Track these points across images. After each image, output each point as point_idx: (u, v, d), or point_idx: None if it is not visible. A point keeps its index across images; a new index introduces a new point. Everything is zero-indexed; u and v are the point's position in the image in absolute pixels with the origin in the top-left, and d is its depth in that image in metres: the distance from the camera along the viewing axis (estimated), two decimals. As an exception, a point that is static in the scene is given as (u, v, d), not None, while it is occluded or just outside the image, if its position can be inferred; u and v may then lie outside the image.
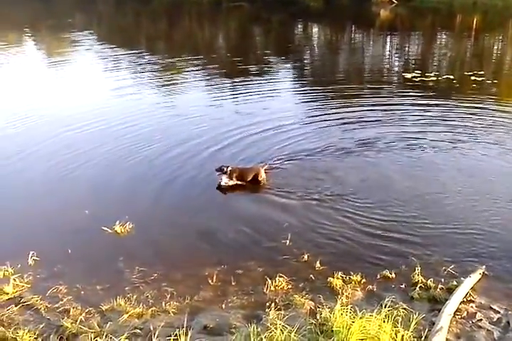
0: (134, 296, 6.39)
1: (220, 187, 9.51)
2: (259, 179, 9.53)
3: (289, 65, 20.53)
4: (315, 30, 30.77)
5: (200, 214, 8.58)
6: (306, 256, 7.12)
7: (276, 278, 6.58)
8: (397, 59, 22.39)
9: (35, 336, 5.73)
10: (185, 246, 7.65)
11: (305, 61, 22.73)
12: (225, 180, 9.52)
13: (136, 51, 23.12)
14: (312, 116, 13.60)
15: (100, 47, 24.50)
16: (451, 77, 17.41)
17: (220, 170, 9.52)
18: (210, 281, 6.68)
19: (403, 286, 6.54)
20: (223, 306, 6.21)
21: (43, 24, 32.57)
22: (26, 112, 14.13)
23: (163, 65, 20.38)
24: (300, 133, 12.17)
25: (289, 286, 6.54)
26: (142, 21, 32.57)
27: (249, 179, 9.57)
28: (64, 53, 24.16)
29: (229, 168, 9.50)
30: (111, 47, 24.33)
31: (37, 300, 6.43)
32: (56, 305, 6.33)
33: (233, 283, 6.64)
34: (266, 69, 19.73)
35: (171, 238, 7.83)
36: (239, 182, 9.56)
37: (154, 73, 18.98)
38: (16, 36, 29.30)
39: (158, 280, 6.75)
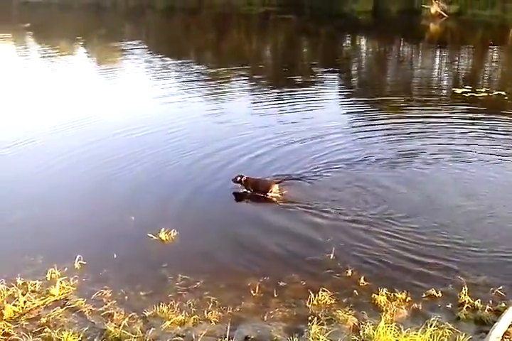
0: (177, 304, 6.42)
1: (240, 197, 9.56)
2: (268, 193, 9.48)
3: (335, 77, 20.45)
4: (363, 42, 30.61)
5: (244, 225, 8.60)
6: (350, 271, 7.02)
7: (319, 292, 6.50)
8: (446, 73, 22.04)
9: (79, 338, 5.82)
10: (228, 255, 7.64)
11: (352, 73, 22.62)
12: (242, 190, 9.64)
13: (184, 60, 23.45)
14: (356, 127, 13.53)
15: (149, 56, 24.96)
16: (503, 92, 17.02)
17: (235, 179, 9.57)
18: (252, 292, 6.65)
19: (449, 306, 6.37)
20: (265, 318, 6.17)
21: (95, 33, 33.42)
22: (76, 117, 14.52)
23: (209, 74, 20.60)
24: (342, 143, 12.11)
25: (332, 301, 6.46)
26: (190, 31, 33.04)
27: (259, 191, 9.55)
28: (114, 61, 24.74)
29: (243, 178, 9.53)
30: (159, 57, 24.76)
31: (82, 303, 6.53)
32: (100, 309, 6.42)
33: (275, 295, 6.60)
34: (312, 80, 19.71)
35: (215, 247, 7.85)
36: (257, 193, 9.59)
37: (201, 82, 19.21)
38: (68, 44, 30.14)
39: (201, 289, 6.77)
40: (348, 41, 31.42)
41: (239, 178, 9.56)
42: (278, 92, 17.55)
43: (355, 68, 23.98)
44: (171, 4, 40.50)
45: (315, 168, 10.54)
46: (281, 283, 6.84)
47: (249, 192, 9.60)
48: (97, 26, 36.74)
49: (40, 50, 28.46)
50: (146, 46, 27.69)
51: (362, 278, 6.85)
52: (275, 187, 9.51)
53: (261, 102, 16.23)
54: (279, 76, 21.10)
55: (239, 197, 9.60)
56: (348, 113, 15.27)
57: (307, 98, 16.57)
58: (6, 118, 15.10)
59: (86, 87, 19.06)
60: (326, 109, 15.47)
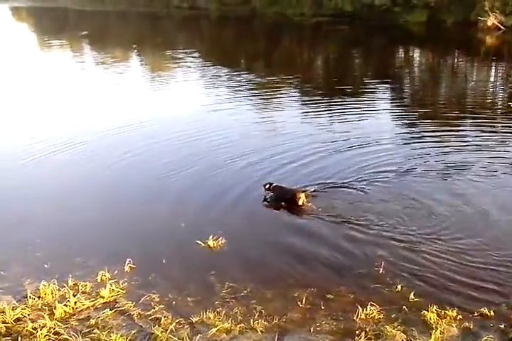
0: (224, 311, 6.44)
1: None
2: (298, 202, 9.41)
3: (387, 87, 20.23)
4: (416, 54, 30.19)
5: (291, 234, 8.56)
6: (399, 287, 6.88)
7: (368, 306, 6.40)
8: (501, 87, 21.46)
9: (127, 341, 5.91)
10: (275, 265, 7.62)
11: (404, 84, 22.33)
12: (268, 197, 9.66)
13: (235, 69, 23.69)
14: (406, 138, 13.35)
15: (201, 65, 25.32)
16: (562, 108, 16.47)
17: (265, 186, 9.61)
18: (299, 303, 6.60)
19: (502, 326, 6.15)
20: (311, 330, 6.11)
21: (149, 41, 34.16)
22: (129, 122, 14.91)
23: (260, 83, 20.74)
24: (391, 153, 11.96)
25: (381, 316, 6.34)
26: (243, 41, 33.37)
27: (286, 199, 9.51)
28: (167, 69, 25.21)
29: (271, 186, 9.55)
30: (211, 65, 25.07)
31: (130, 306, 6.64)
32: (148, 313, 6.50)
33: (323, 307, 6.53)
34: (363, 90, 19.55)
35: (262, 256, 7.86)
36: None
37: (251, 91, 19.34)
38: (124, 52, 30.90)
39: (248, 297, 6.77)
40: (400, 52, 31.08)
41: (268, 186, 9.60)
42: (328, 102, 17.50)
43: (408, 79, 23.67)
44: (225, 14, 41.04)
45: (361, 178, 10.43)
46: (328, 296, 6.77)
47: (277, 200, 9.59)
48: (151, 35, 37.57)
49: (95, 56, 29.34)
50: (198, 55, 28.11)
51: (411, 293, 6.70)
52: (301, 196, 9.45)
53: (310, 111, 16.22)
54: (329, 86, 21.06)
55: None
56: (398, 123, 15.09)
57: (357, 108, 16.46)
58: (63, 121, 15.56)
59: (139, 93, 19.49)
60: (376, 119, 15.32)
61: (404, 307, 6.50)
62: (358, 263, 7.57)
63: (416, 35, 35.48)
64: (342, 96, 18.21)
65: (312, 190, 9.72)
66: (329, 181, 10.34)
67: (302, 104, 17.39)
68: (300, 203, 9.41)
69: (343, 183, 10.24)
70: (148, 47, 32.38)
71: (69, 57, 30.06)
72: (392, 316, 6.35)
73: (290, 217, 9.18)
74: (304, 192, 9.53)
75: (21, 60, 27.90)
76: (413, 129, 14.20)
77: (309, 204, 9.48)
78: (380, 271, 7.24)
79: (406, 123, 14.96)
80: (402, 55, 30.43)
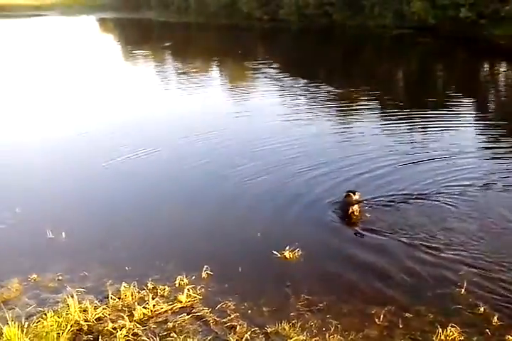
0: (299, 323, 6.40)
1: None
2: (354, 213, 9.26)
3: (471, 101, 19.56)
4: (503, 68, 29.03)
5: (368, 248, 8.39)
6: (482, 309, 6.60)
7: (448, 328, 6.17)
8: None
9: (203, 347, 5.99)
10: (352, 280, 7.49)
11: (490, 99, 21.53)
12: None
13: (313, 80, 23.64)
14: (488, 153, 12.79)
15: (280, 76, 25.45)
16: None
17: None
18: (376, 320, 6.46)
19: None
20: (389, 348, 5.98)
21: (229, 53, 34.79)
22: (206, 130, 15.20)
23: (337, 94, 20.60)
24: (470, 167, 11.48)
25: (461, 338, 6.10)
26: (322, 52, 33.33)
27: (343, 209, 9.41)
28: (245, 80, 25.56)
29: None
30: (290, 76, 25.18)
31: (207, 312, 6.73)
32: (224, 320, 6.56)
33: (401, 326, 6.35)
34: (446, 103, 18.87)
35: (339, 270, 7.76)
36: None
37: (328, 102, 19.24)
38: (205, 63, 31.62)
39: (323, 311, 6.70)
40: (486, 66, 30.02)
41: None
42: (408, 114, 17.09)
43: (493, 94, 22.80)
44: (305, 25, 41.22)
45: (438, 192, 10.09)
46: (406, 314, 6.58)
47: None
48: (232, 46, 38.27)
49: (177, 66, 30.19)
50: (277, 66, 28.32)
51: (495, 317, 6.41)
52: (354, 206, 9.28)
53: (390, 123, 15.90)
54: (410, 98, 20.64)
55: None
56: (480, 138, 14.54)
57: (439, 121, 16.00)
58: (144, 128, 16.07)
59: (217, 102, 19.89)
60: (457, 133, 14.81)
61: (487, 330, 6.23)
62: (438, 283, 7.31)
63: (503, 48, 34.16)
64: (423, 109, 17.77)
65: (364, 199, 9.53)
66: (403, 193, 10.13)
67: (381, 116, 17.13)
68: (350, 213, 9.28)
69: (419, 195, 9.96)
70: (228, 58, 32.97)
71: (151, 66, 31.07)
72: (474, 339, 6.11)
73: (365, 231, 8.99)
74: (358, 202, 9.36)
75: (106, 69, 29.10)
76: (496, 145, 13.63)
77: (365, 215, 9.33)
78: (462, 292, 6.97)
79: (489, 138, 14.40)
80: (488, 69, 29.38)
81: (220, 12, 52.66)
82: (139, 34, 51.97)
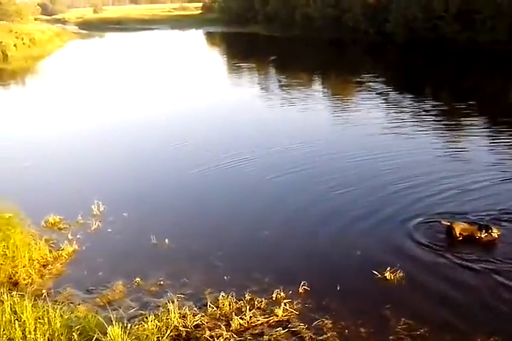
0: (398, 348, 6.19)
1: None
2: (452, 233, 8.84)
3: None
4: None
5: (475, 276, 7.92)
6: None
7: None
8: None
9: (300, 364, 5.93)
10: (457, 307, 7.13)
11: None
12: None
13: (419, 95, 22.96)
14: None
15: (384, 90, 24.95)
16: None
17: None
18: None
19: None
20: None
21: (334, 66, 34.64)
22: (299, 140, 15.41)
23: (444, 110, 19.85)
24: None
25: None
26: (428, 67, 32.29)
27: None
28: (349, 94, 25.28)
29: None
30: (395, 90, 24.63)
31: (303, 329, 6.68)
32: (320, 338, 6.48)
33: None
34: None
35: (443, 295, 7.41)
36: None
37: (434, 117, 18.62)
38: (308, 77, 31.67)
39: (424, 338, 6.44)
40: None
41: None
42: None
43: None
44: (412, 39, 40.20)
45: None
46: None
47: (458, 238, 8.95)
48: (336, 60, 38.11)
49: (280, 79, 30.45)
50: (382, 80, 27.81)
51: None
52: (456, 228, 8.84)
53: (496, 141, 15.13)
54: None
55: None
56: None
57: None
58: (239, 137, 16.35)
59: (318, 114, 19.82)
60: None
61: None
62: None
63: None
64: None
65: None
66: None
67: (488, 133, 16.29)
68: (453, 235, 8.87)
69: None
70: (332, 71, 32.82)
71: (255, 79, 31.58)
72: None
73: (469, 255, 8.50)
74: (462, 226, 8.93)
75: (210, 80, 29.90)
76: None
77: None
78: None
79: None
80: None
81: (325, 26, 52.67)
82: (244, 48, 53.11)
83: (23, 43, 50.11)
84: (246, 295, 7.39)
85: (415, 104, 20.84)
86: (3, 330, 6.17)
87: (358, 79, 27.89)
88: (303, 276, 7.72)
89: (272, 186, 12.01)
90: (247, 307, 7.07)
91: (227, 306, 7.16)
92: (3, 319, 6.29)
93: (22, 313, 6.34)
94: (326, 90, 27.55)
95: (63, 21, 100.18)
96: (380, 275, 7.79)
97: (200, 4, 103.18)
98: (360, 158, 13.52)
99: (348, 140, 15.85)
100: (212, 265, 8.51)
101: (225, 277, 8.03)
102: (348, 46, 45.28)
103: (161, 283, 8.03)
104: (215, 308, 7.15)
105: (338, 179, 12.02)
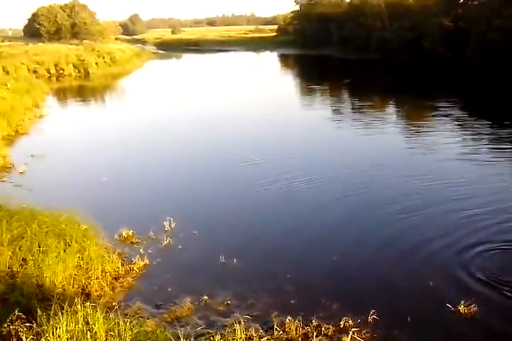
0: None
1: None
2: None
3: None
4: None
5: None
6: None
7: None
8: None
9: None
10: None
11: None
12: None
13: (498, 122, 22.17)
14: None
15: (460, 116, 24.31)
16: None
17: None
18: None
19: None
20: None
21: (410, 90, 34.08)
22: (368, 162, 15.42)
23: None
24: None
25: None
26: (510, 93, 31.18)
27: None
28: (422, 118, 24.72)
29: None
30: (471, 117, 23.95)
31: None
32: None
33: None
34: None
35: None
36: None
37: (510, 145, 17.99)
38: (382, 100, 31.32)
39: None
40: None
41: None
42: None
43: None
44: (492, 63, 39.00)
45: None
46: None
47: None
48: (411, 83, 37.46)
49: (353, 102, 30.27)
50: (460, 105, 27.09)
51: None
52: None
53: None
54: None
55: None
56: None
57: None
58: (306, 157, 16.30)
59: (390, 138, 19.50)
60: None
61: None
62: None
63: None
64: None
65: None
66: None
67: None
68: None
69: None
70: (407, 95, 32.22)
71: (327, 102, 31.46)
72: None
73: None
74: None
75: (283, 101, 30.06)
76: None
77: None
78: None
79: None
80: None
81: (400, 49, 52.10)
82: (318, 70, 53.23)
83: (104, 62, 52.33)
84: (313, 321, 7.28)
85: (492, 131, 20.18)
86: (76, 340, 6.34)
87: (434, 103, 27.34)
88: (372, 304, 7.54)
89: (339, 207, 12.00)
90: (314, 334, 6.98)
91: (294, 331, 7.08)
92: (76, 329, 6.45)
93: (94, 324, 6.49)
94: (399, 113, 27.11)
95: (142, 41, 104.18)
96: (453, 309, 7.49)
97: (276, 26, 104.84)
98: (430, 182, 13.30)
99: (418, 164, 15.55)
100: (279, 287, 8.46)
101: (293, 301, 7.96)
102: (424, 69, 44.41)
103: (228, 302, 8.05)
104: (281, 332, 7.09)
105: (412, 202, 11.90)
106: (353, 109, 27.85)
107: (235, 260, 9.27)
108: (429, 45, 49.16)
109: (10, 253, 8.62)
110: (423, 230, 10.42)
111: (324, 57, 61.28)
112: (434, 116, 24.60)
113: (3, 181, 14.52)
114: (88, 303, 6.99)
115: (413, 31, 52.09)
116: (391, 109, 28.81)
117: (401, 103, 29.93)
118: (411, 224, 10.71)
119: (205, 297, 8.15)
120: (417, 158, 16.48)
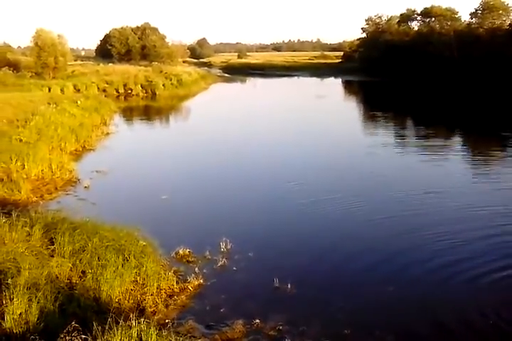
0: None
1: None
2: None
3: None
4: None
5: None
6: None
7: None
8: None
9: None
10: None
11: None
12: None
13: None
14: None
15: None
16: None
17: None
18: None
19: None
20: None
21: (479, 120, 33.25)
22: (424, 188, 15.09)
23: None
24: None
25: None
26: None
27: None
28: (489, 148, 23.91)
29: None
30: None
31: None
32: None
33: None
34: None
35: None
36: None
37: None
38: (447, 128, 30.60)
39: None
40: None
41: None
42: None
43: None
44: None
45: None
46: None
47: None
48: (481, 112, 36.49)
49: (417, 131, 29.69)
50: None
51: None
52: None
53: None
54: None
55: None
56: None
57: None
58: (354, 181, 16.07)
59: (449, 166, 19.17)
60: None
61: None
62: None
63: None
64: None
65: None
66: None
67: None
68: None
69: None
70: (476, 124, 31.40)
71: (389, 128, 31.01)
72: None
73: None
74: None
75: (345, 126, 29.98)
76: None
77: None
78: None
79: None
80: None
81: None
82: (381, 96, 52.80)
83: (171, 83, 53.73)
84: (365, 353, 7.10)
85: None
86: (128, 355, 6.41)
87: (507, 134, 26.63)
88: (427, 339, 7.27)
89: (395, 234, 11.96)
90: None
91: (344, 361, 6.92)
92: (130, 344, 6.53)
93: (147, 341, 6.56)
94: (464, 143, 26.42)
95: (209, 65, 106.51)
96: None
97: (341, 53, 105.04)
98: (480, 208, 13.37)
99: (473, 193, 15.35)
100: (332, 316, 8.31)
101: (346, 330, 7.78)
102: (497, 98, 43.23)
103: (280, 328, 7.97)
104: (331, 361, 6.94)
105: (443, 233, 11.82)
106: (415, 136, 27.40)
107: (289, 285, 9.18)
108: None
109: (70, 265, 8.90)
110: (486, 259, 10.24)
111: (387, 83, 60.82)
112: (504, 146, 23.93)
113: (68, 194, 15.04)
114: (142, 319, 7.07)
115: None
116: (457, 137, 28.23)
117: (469, 131, 29.34)
118: (462, 253, 10.66)
119: (257, 320, 8.09)
120: (473, 187, 16.25)
